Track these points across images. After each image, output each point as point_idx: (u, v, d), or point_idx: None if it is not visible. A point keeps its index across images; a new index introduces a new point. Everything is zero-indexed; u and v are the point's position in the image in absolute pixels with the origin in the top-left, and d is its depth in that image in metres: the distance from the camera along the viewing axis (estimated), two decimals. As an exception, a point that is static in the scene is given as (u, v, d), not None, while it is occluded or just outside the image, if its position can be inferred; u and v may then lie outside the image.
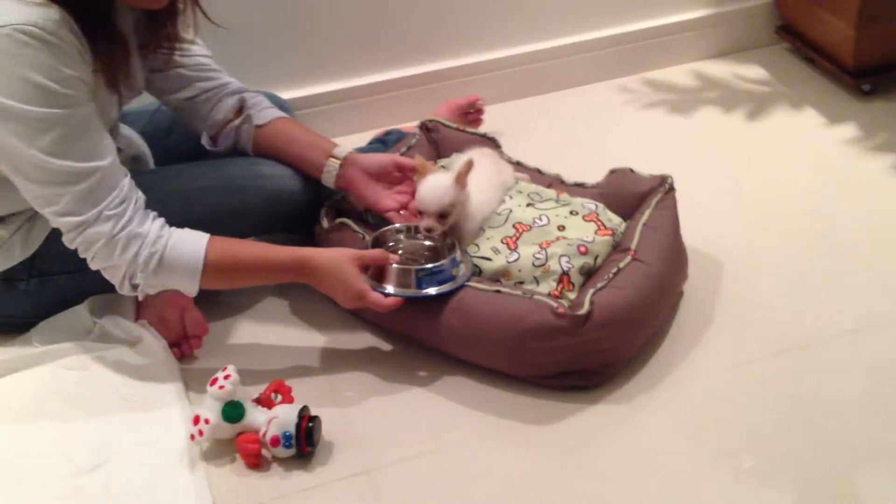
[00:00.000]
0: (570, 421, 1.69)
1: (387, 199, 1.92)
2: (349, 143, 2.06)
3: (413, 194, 1.88)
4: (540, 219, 1.89)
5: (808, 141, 2.45)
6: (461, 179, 1.83)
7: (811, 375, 1.76)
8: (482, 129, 2.39)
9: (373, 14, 2.48)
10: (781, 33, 2.80)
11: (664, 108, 2.62)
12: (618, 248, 1.87)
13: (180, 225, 1.70)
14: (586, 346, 1.69)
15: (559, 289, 1.78)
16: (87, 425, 1.70)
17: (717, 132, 2.52)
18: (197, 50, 1.95)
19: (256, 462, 1.62)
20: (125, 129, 1.99)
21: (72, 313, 1.85)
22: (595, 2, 2.65)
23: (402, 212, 1.90)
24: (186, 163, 1.97)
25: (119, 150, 1.75)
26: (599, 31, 2.69)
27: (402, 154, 2.06)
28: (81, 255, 1.66)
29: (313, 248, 1.80)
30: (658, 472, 1.60)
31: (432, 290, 1.76)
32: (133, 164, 1.94)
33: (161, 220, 1.68)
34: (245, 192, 1.91)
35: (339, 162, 1.91)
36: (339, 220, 1.94)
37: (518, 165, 2.13)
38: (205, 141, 1.99)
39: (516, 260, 1.82)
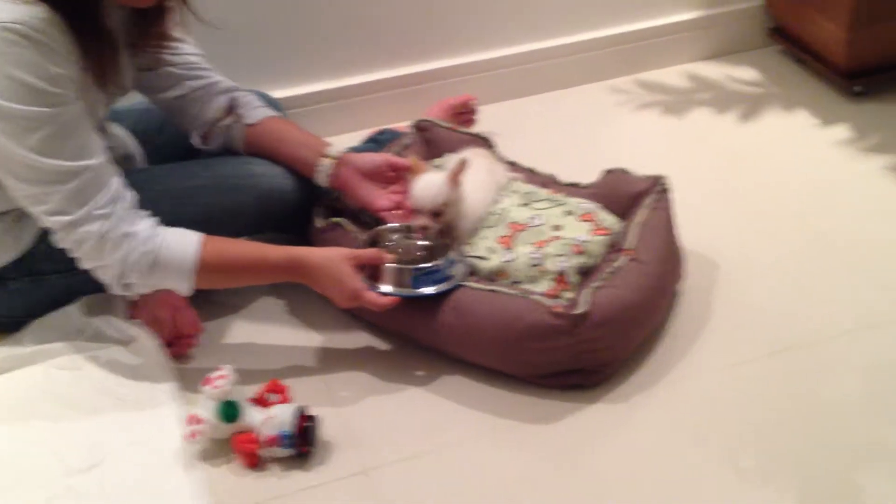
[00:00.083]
0: (567, 420, 1.69)
1: (381, 198, 1.91)
2: (342, 142, 2.05)
3: (407, 194, 1.87)
4: (535, 219, 1.89)
5: (801, 142, 2.46)
6: (455, 178, 1.83)
7: (808, 375, 1.77)
8: (476, 129, 2.39)
9: (365, 13, 2.48)
10: (774, 35, 2.81)
11: (657, 109, 2.62)
12: (614, 247, 1.87)
13: (172, 224, 1.69)
14: (583, 346, 1.69)
15: (555, 289, 1.78)
16: (80, 425, 1.69)
17: (710, 133, 2.52)
18: (187, 48, 1.94)
19: (254, 462, 1.61)
20: (116, 128, 1.98)
21: (64, 313, 1.84)
22: (589, 3, 2.66)
23: (396, 211, 1.90)
24: (178, 162, 1.96)
25: (110, 149, 1.73)
26: (593, 31, 2.70)
27: (395, 154, 2.05)
28: (72, 255, 1.65)
29: (308, 248, 1.79)
30: (655, 471, 1.60)
31: (428, 290, 1.75)
32: (124, 162, 1.92)
33: (152, 220, 1.68)
34: (237, 191, 1.90)
35: (331, 161, 1.91)
36: (333, 219, 1.93)
37: (512, 165, 2.13)
38: (195, 140, 1.98)
39: (512, 260, 1.82)
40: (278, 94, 2.31)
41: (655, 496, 1.56)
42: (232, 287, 1.88)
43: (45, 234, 1.71)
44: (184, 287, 1.69)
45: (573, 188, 2.06)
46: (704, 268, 2.01)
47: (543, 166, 2.13)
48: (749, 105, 2.61)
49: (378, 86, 2.55)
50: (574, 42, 2.68)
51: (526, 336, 1.69)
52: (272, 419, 1.59)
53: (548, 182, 2.08)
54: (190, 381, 1.75)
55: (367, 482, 1.59)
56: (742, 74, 2.75)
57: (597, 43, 2.70)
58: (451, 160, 2.00)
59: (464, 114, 2.45)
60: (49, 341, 1.81)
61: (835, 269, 2.02)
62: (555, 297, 1.75)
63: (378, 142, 2.21)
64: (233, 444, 1.61)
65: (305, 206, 1.96)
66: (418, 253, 1.85)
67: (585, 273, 1.83)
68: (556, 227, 1.87)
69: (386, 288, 1.74)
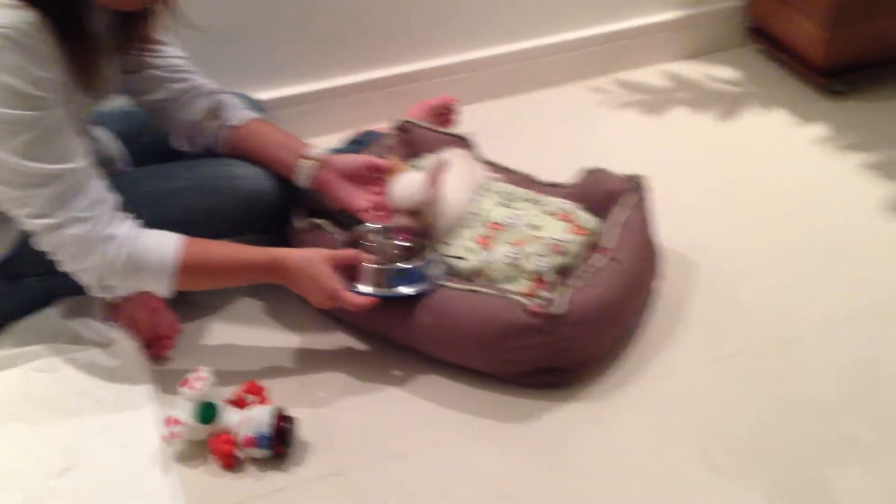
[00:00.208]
0: (544, 419, 1.70)
1: (361, 199, 1.92)
2: (324, 143, 2.05)
3: (387, 194, 1.88)
4: (514, 218, 1.90)
5: (780, 141, 2.47)
6: (434, 178, 1.83)
7: (783, 372, 1.78)
8: (456, 129, 2.39)
9: (347, 15, 2.48)
10: (753, 35, 2.82)
11: (637, 109, 2.63)
12: (594, 247, 1.88)
13: (153, 226, 1.69)
14: (560, 345, 1.69)
15: (533, 288, 1.79)
16: (59, 427, 1.69)
17: (690, 133, 2.53)
18: (170, 51, 1.94)
19: (230, 463, 1.61)
20: (99, 131, 1.98)
21: (43, 315, 1.84)
22: (568, 3, 2.66)
23: (375, 212, 1.90)
24: (160, 164, 1.96)
25: (92, 152, 1.73)
26: (572, 32, 2.70)
27: (376, 155, 2.06)
28: (53, 258, 1.66)
29: (286, 249, 1.80)
30: (632, 468, 1.61)
31: (406, 290, 1.76)
32: (106, 165, 1.91)
33: (133, 222, 1.68)
34: (218, 192, 1.90)
35: (311, 162, 1.91)
36: (311, 220, 1.94)
37: (491, 165, 2.13)
38: (178, 142, 1.98)
39: (490, 260, 1.82)
40: (261, 95, 2.31)
41: (630, 493, 1.57)
42: (211, 288, 1.88)
43: (24, 238, 1.72)
44: (164, 289, 1.69)
45: (552, 188, 2.06)
46: (682, 266, 2.02)
47: (524, 166, 2.13)
48: (728, 104, 2.62)
49: (359, 87, 2.55)
50: (554, 42, 2.69)
51: (503, 335, 1.70)
52: (249, 420, 1.60)
53: (527, 182, 2.09)
54: (168, 383, 1.75)
55: (344, 483, 1.59)
56: (721, 74, 2.76)
57: (576, 43, 2.71)
58: (431, 160, 2.01)
59: (444, 114, 2.44)
60: (28, 344, 1.81)
61: (812, 267, 2.03)
62: (532, 296, 1.76)
63: (360, 143, 2.21)
64: (210, 446, 1.62)
65: (286, 207, 1.96)
66: (397, 253, 1.86)
67: (563, 272, 1.83)
68: (535, 227, 1.88)
69: (364, 288, 1.75)
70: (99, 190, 1.65)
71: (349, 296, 1.72)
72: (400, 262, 1.80)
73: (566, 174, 2.07)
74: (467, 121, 2.47)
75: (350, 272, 1.76)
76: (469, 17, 2.60)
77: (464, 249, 1.85)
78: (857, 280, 1.99)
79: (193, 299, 1.92)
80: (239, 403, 1.67)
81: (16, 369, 1.78)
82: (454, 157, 1.99)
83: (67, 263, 1.65)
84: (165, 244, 1.67)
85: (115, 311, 1.85)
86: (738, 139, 2.49)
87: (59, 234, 1.62)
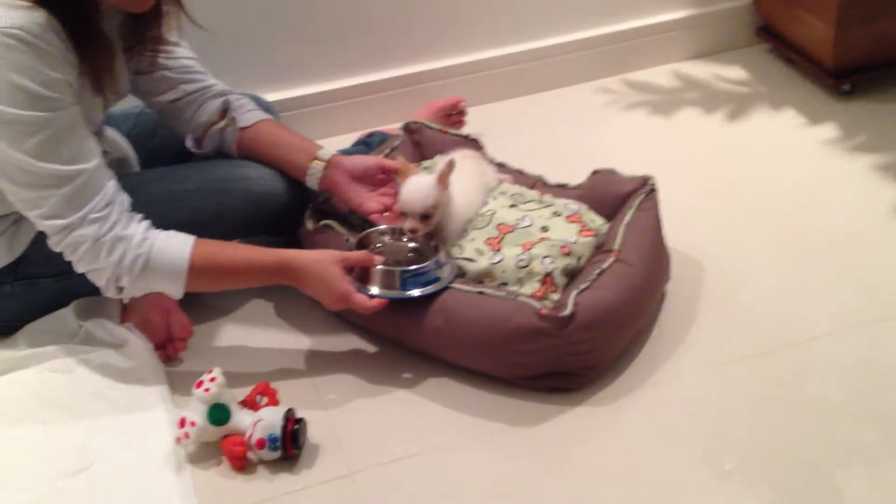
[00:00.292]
0: (553, 422, 1.70)
1: (370, 201, 1.92)
2: (332, 144, 2.05)
3: (396, 196, 1.88)
4: (523, 220, 1.90)
5: (789, 141, 2.47)
6: (443, 180, 1.83)
7: (793, 375, 1.78)
8: (465, 130, 2.40)
9: (356, 17, 2.49)
10: (762, 34, 2.82)
11: (645, 109, 2.63)
12: (601, 248, 1.88)
13: (165, 227, 1.70)
14: (569, 348, 1.70)
15: (542, 290, 1.79)
16: (72, 428, 1.70)
17: (698, 133, 2.53)
18: (181, 52, 1.95)
19: (242, 465, 1.62)
20: (110, 132, 1.99)
21: (57, 316, 1.85)
22: (576, 3, 2.66)
23: (385, 214, 1.90)
24: (171, 165, 1.97)
25: (104, 153, 1.74)
26: (580, 32, 2.71)
27: (385, 156, 2.07)
28: (67, 258, 1.66)
29: (297, 250, 1.81)
30: (640, 473, 1.61)
31: (416, 292, 1.76)
32: (118, 166, 1.93)
33: (146, 223, 1.69)
34: (229, 194, 1.91)
35: (322, 164, 1.92)
36: (323, 221, 1.94)
37: (500, 167, 2.14)
38: (189, 143, 1.99)
39: (500, 261, 1.83)
40: (271, 96, 2.33)
41: (642, 497, 1.57)
42: (223, 289, 1.88)
43: (39, 239, 1.73)
44: (176, 290, 1.70)
45: (561, 189, 2.07)
46: (690, 268, 2.02)
47: (532, 167, 2.14)
48: (736, 104, 2.62)
49: (368, 88, 2.56)
50: (561, 43, 2.69)
51: (512, 338, 1.70)
52: (260, 422, 1.61)
53: (536, 183, 2.09)
54: (180, 384, 1.77)
55: (353, 485, 1.60)
56: (729, 73, 2.76)
57: (584, 43, 2.71)
58: (440, 162, 2.01)
59: (453, 115, 2.45)
60: (42, 345, 1.82)
61: (821, 269, 2.03)
62: (542, 298, 1.77)
63: (368, 144, 2.22)
64: (222, 447, 1.63)
65: (297, 208, 1.97)
66: (407, 255, 1.87)
67: (572, 274, 1.84)
68: (544, 229, 1.89)
69: (374, 290, 1.76)
70: (112, 190, 1.66)
71: (360, 298, 1.73)
72: (410, 263, 1.81)
73: (574, 175, 2.07)
74: (474, 122, 2.48)
75: (360, 274, 1.77)
76: (476, 18, 2.60)
77: (473, 251, 1.86)
78: (865, 282, 1.98)
79: (206, 301, 1.94)
80: (251, 405, 1.68)
81: (30, 370, 1.80)
82: (464, 159, 1.99)
83: (81, 264, 1.66)
84: (178, 245, 1.68)
85: (129, 312, 1.86)
86: (746, 140, 2.49)
87: (73, 234, 1.63)
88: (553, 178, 2.10)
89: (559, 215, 1.92)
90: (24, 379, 1.79)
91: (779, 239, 2.12)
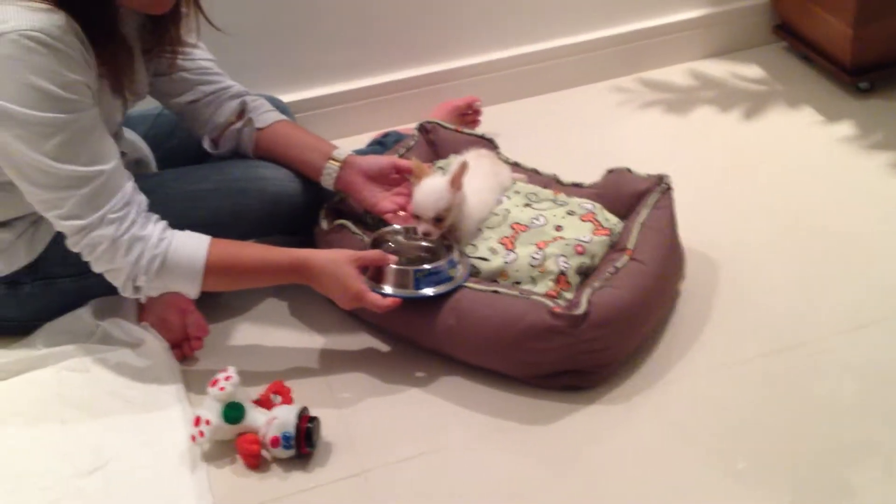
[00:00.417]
0: (566, 421, 1.70)
1: (385, 200, 1.93)
2: (348, 144, 2.06)
3: (411, 196, 1.89)
4: (537, 219, 1.91)
5: (806, 139, 2.46)
6: (456, 182, 1.83)
7: (807, 375, 1.77)
8: (479, 130, 2.40)
9: (371, 17, 2.49)
10: (779, 32, 2.81)
11: (661, 108, 2.62)
12: (615, 247, 1.88)
13: (181, 227, 1.71)
14: (582, 346, 1.70)
15: (556, 289, 1.79)
16: (89, 427, 1.72)
17: (715, 131, 2.52)
18: (199, 54, 1.96)
19: (256, 463, 1.63)
20: (128, 133, 2.01)
21: (74, 316, 1.87)
22: (591, 3, 2.66)
23: (400, 213, 1.91)
24: (188, 166, 1.99)
25: (122, 154, 1.76)
26: (596, 31, 2.70)
27: (400, 156, 2.07)
28: (85, 259, 1.68)
29: (312, 250, 1.82)
30: (653, 472, 1.61)
31: (430, 291, 1.77)
32: (136, 167, 1.95)
33: (163, 223, 1.70)
34: (245, 194, 1.92)
35: (337, 164, 1.93)
36: (338, 221, 1.95)
37: (515, 166, 2.14)
38: (206, 144, 2.00)
39: (513, 260, 1.83)
40: (287, 97, 2.34)
41: (654, 496, 1.57)
42: (238, 289, 1.89)
43: (57, 239, 1.75)
44: (192, 289, 1.71)
45: (575, 188, 2.07)
46: (705, 267, 2.02)
47: (547, 166, 2.14)
48: (753, 103, 2.61)
49: (384, 88, 2.56)
50: (577, 42, 2.69)
51: (525, 337, 1.71)
52: (274, 420, 1.62)
53: (550, 182, 2.09)
54: (195, 383, 1.78)
55: (368, 484, 1.61)
56: (746, 72, 2.74)
57: (599, 43, 2.70)
58: (454, 161, 2.01)
59: (468, 115, 2.46)
60: (59, 344, 1.84)
61: (836, 268, 2.02)
62: (555, 297, 1.77)
63: (383, 144, 2.23)
64: (236, 445, 1.64)
65: (313, 208, 1.98)
66: (420, 254, 1.87)
67: (586, 273, 1.84)
68: (558, 228, 1.89)
69: (388, 289, 1.76)
70: (130, 191, 1.67)
71: (373, 297, 1.73)
72: (424, 263, 1.82)
73: (590, 174, 2.07)
74: (489, 122, 2.49)
75: (374, 273, 1.77)
76: (491, 18, 2.60)
77: (488, 250, 1.86)
78: (880, 280, 1.97)
79: (221, 300, 1.95)
80: (265, 403, 1.69)
81: (47, 369, 1.81)
82: (479, 159, 2.00)
83: (99, 264, 1.68)
84: (194, 245, 1.69)
85: (146, 311, 1.88)
86: (763, 138, 2.48)
87: (91, 235, 1.64)
88: (568, 177, 2.10)
89: (573, 214, 1.92)
90: (43, 378, 1.80)
91: (794, 238, 2.11)
